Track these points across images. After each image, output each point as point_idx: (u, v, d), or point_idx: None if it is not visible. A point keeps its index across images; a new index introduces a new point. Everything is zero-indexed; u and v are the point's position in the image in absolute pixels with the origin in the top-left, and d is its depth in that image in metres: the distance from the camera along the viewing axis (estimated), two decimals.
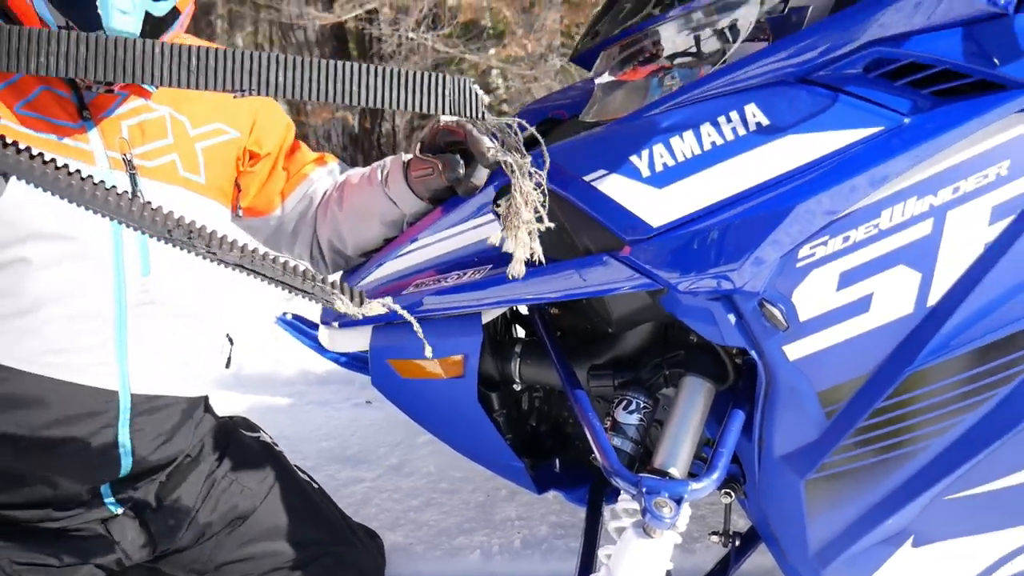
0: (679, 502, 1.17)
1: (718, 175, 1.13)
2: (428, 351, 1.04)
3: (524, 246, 1.03)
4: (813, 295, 1.14)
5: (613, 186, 1.17)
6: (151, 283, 1.33)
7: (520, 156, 1.00)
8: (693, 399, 1.30)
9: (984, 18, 1.09)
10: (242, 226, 1.60)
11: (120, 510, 1.42)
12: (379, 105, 0.86)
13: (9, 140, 0.75)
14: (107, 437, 1.34)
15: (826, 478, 1.24)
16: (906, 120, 1.09)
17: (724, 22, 1.23)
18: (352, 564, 1.58)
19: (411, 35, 5.35)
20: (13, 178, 0.76)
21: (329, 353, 2.00)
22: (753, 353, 1.20)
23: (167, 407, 1.41)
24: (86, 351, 1.30)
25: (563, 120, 1.52)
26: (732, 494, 1.40)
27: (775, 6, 1.25)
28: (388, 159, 1.50)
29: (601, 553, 1.26)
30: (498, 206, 1.07)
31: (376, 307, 0.89)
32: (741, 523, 1.73)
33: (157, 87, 0.83)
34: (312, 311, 1.88)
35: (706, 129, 1.15)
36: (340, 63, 0.82)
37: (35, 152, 0.74)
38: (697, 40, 1.26)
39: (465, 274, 1.33)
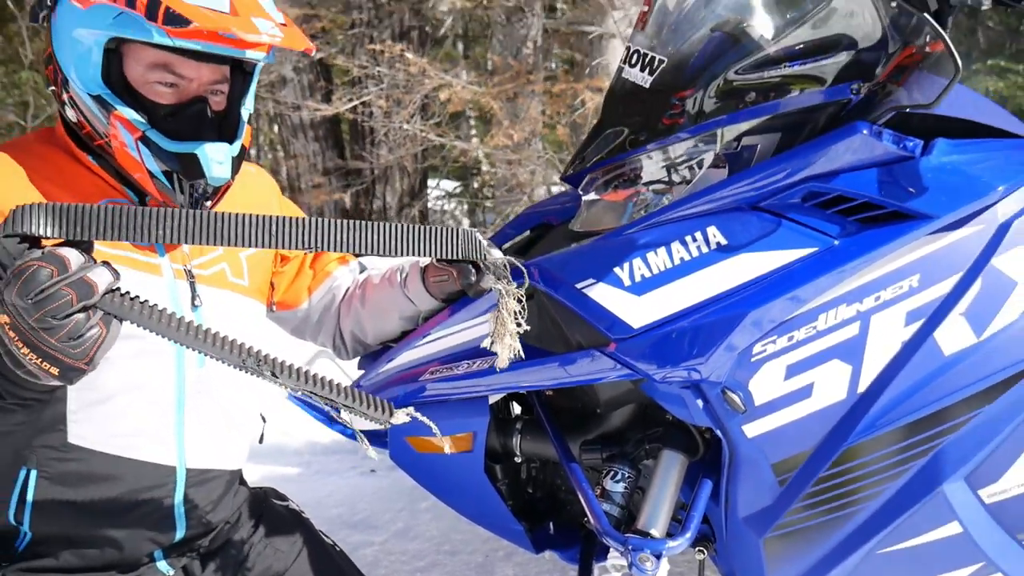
0: (659, 557, 1.40)
1: (687, 285, 1.38)
2: (437, 433, 1.24)
3: (508, 348, 1.23)
4: (765, 384, 1.39)
5: (600, 293, 1.42)
6: (205, 374, 1.52)
7: (507, 283, 1.21)
8: (669, 470, 1.53)
9: (896, 160, 1.35)
10: (273, 318, 1.83)
11: (172, 572, 1.61)
12: (410, 255, 1.08)
13: (124, 290, 0.96)
14: (166, 506, 1.52)
15: (781, 536, 1.47)
16: (836, 242, 1.33)
17: (688, 158, 1.49)
18: None
19: (405, 126, 5.69)
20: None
21: (336, 425, 2.20)
22: (718, 431, 1.44)
23: (214, 479, 1.59)
24: (150, 433, 1.48)
25: (554, 225, 1.78)
26: (704, 551, 1.62)
27: (729, 143, 1.51)
28: (406, 263, 1.75)
29: None
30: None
31: (401, 416, 1.11)
32: None
33: (245, 247, 1.06)
34: None
35: (676, 246, 1.40)
36: (383, 225, 1.04)
37: (142, 300, 0.96)
38: (667, 169, 1.53)
39: (474, 363, 1.56)
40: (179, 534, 1.56)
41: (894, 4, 1.32)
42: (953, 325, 1.34)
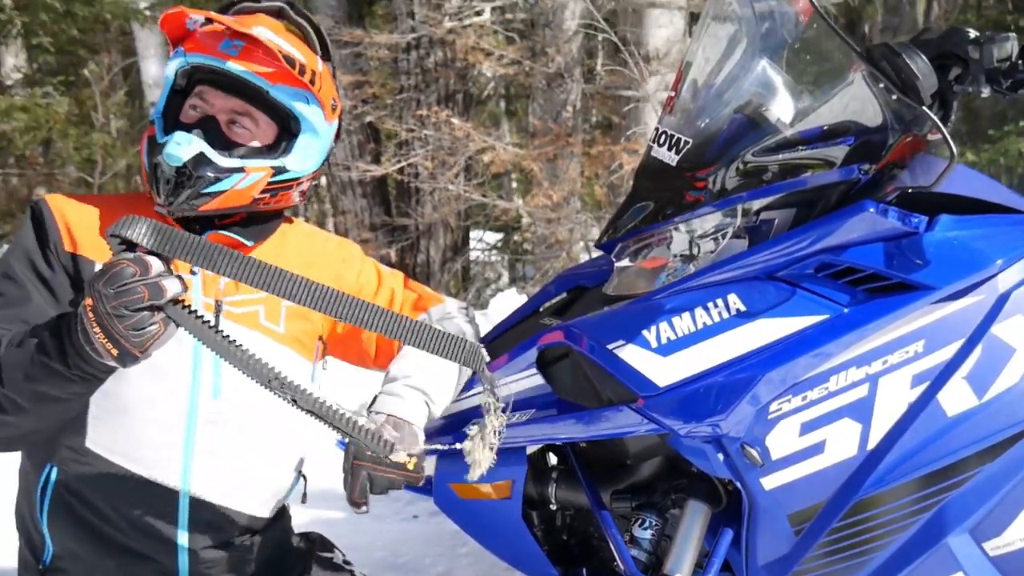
0: None
1: (709, 347, 1.51)
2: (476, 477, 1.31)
3: (488, 459, 1.29)
4: (781, 440, 1.50)
5: (630, 353, 1.54)
6: (220, 406, 1.56)
7: (496, 401, 1.28)
8: (694, 519, 1.64)
9: (902, 235, 1.48)
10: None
11: None
12: (416, 347, 1.17)
13: (188, 302, 1.13)
14: (169, 533, 1.55)
15: None
16: (846, 310, 1.45)
17: (711, 230, 1.63)
18: None
19: (450, 187, 5.92)
20: None
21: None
22: (738, 483, 1.55)
23: (224, 517, 1.58)
24: (156, 449, 1.52)
25: (589, 288, 1.91)
26: None
27: (749, 218, 1.64)
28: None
29: None
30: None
31: (402, 456, 1.25)
32: None
33: (291, 300, 1.17)
34: None
35: (699, 312, 1.53)
36: (406, 321, 1.14)
37: (199, 314, 1.12)
38: (692, 240, 1.66)
39: (513, 416, 1.69)
40: (183, 569, 1.57)
41: (895, 97, 1.45)
42: (956, 388, 1.45)
